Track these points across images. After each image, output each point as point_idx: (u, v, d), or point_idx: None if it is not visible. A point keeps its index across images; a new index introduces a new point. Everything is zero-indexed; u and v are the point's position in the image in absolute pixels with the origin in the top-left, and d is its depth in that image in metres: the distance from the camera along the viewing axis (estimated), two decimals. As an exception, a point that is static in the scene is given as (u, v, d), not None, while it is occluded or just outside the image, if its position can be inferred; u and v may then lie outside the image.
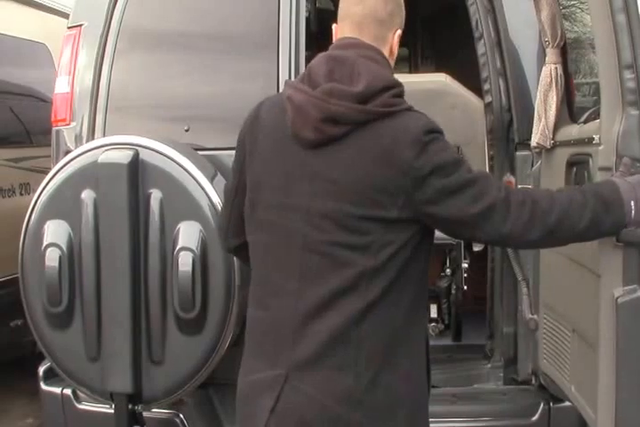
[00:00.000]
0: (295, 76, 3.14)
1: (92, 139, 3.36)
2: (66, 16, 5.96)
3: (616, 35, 2.18)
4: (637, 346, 2.14)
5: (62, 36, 5.66)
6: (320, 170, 1.98)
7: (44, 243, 2.92)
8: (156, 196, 2.85)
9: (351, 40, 2.08)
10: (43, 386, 3.40)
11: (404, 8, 2.14)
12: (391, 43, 2.11)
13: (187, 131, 3.25)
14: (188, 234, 2.84)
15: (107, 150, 2.86)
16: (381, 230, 1.95)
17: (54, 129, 3.54)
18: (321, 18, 4.56)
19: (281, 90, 3.10)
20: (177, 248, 2.84)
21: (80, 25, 3.50)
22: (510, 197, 1.99)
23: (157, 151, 2.86)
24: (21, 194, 5.31)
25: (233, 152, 3.11)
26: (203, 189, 2.85)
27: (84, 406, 3.30)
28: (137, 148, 2.85)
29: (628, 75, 2.18)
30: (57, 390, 3.35)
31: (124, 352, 2.87)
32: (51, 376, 3.39)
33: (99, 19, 3.43)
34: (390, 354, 1.99)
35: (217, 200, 2.86)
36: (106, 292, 2.87)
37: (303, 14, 3.21)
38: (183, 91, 3.35)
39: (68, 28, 3.56)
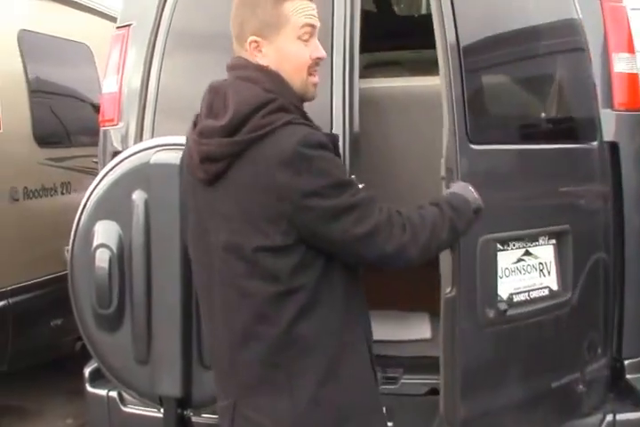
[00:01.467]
0: (348, 78, 3.09)
1: (141, 140, 3.34)
2: (106, 17, 6.02)
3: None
4: None
5: (102, 37, 5.72)
6: (217, 206, 2.06)
7: (95, 244, 2.88)
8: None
9: (232, 61, 2.14)
10: (88, 388, 3.39)
11: (257, 11, 2.07)
12: (251, 52, 2.09)
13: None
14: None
15: (158, 151, 2.82)
16: (273, 258, 1.98)
17: (102, 129, 3.52)
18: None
19: (334, 91, 3.08)
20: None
21: (129, 25, 3.48)
22: (392, 219, 2.02)
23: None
24: (62, 193, 5.32)
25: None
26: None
27: (130, 410, 3.28)
28: (190, 148, 2.81)
29: None
30: (103, 392, 3.33)
31: (174, 356, 2.82)
32: (97, 378, 3.38)
33: (148, 18, 3.40)
34: (328, 368, 2.03)
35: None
36: (156, 294, 2.83)
37: (358, 14, 3.14)
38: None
39: (117, 27, 3.53)
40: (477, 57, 3.08)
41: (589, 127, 3.26)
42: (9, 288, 4.75)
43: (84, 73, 5.75)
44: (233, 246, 2.02)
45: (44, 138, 5.18)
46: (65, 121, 5.56)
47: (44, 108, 5.24)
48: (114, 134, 3.45)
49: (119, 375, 2.96)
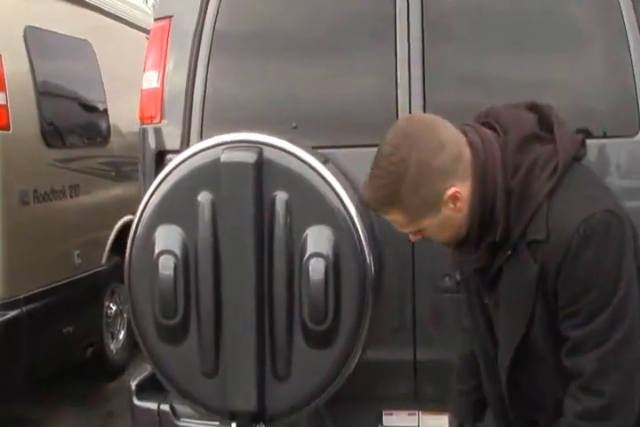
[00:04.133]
0: (414, 71, 2.94)
1: (188, 139, 3.14)
2: (106, 13, 5.80)
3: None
4: None
5: (103, 33, 5.50)
6: None
7: (157, 250, 2.69)
8: (281, 198, 2.63)
9: None
10: (135, 401, 3.18)
11: None
12: None
13: (294, 128, 3.02)
14: (319, 239, 2.63)
15: (227, 149, 2.64)
16: None
17: (141, 127, 3.31)
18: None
19: (399, 86, 2.93)
20: (307, 254, 2.62)
21: (169, 16, 3.27)
22: None
23: (283, 149, 2.64)
24: (71, 196, 5.09)
25: (342, 150, 3.01)
26: (334, 190, 2.63)
27: (185, 424, 3.08)
28: (260, 146, 2.64)
29: None
30: (153, 405, 3.13)
31: (247, 368, 2.65)
32: (144, 391, 3.18)
33: (191, 10, 3.20)
34: None
35: (349, 203, 2.65)
36: (226, 303, 2.65)
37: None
38: (286, 87, 3.14)
39: (155, 19, 3.32)
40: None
41: None
42: (22, 296, 4.52)
43: (89, 71, 5.51)
44: None
45: (52, 138, 4.94)
46: (73, 121, 5.33)
47: (50, 108, 4.99)
48: (156, 132, 3.24)
49: (183, 389, 2.77)
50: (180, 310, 2.67)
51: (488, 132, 1.74)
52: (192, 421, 3.06)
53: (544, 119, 1.77)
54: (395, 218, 1.78)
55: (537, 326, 1.76)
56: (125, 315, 5.76)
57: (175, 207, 2.71)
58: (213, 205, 2.65)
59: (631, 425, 1.73)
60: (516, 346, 1.81)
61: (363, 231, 2.67)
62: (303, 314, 2.63)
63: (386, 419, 3.08)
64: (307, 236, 2.64)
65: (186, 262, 2.67)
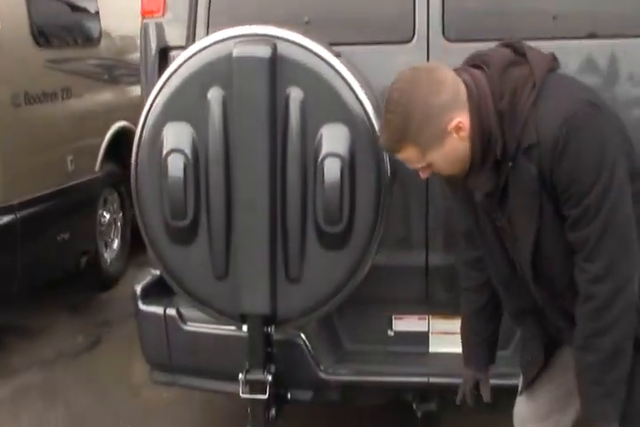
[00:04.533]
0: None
1: (194, 34, 2.99)
2: None
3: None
4: None
5: None
6: None
7: (165, 149, 2.59)
8: (296, 95, 2.52)
9: None
10: (141, 306, 3.11)
11: None
12: None
13: (307, 23, 2.87)
14: (335, 138, 2.53)
15: (239, 43, 2.51)
16: None
17: (144, 22, 3.13)
18: None
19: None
20: (322, 154, 2.53)
21: None
22: None
23: (298, 44, 2.51)
24: (63, 98, 4.92)
25: (354, 48, 2.88)
26: (351, 87, 2.53)
27: (192, 328, 3.04)
28: (274, 40, 2.50)
29: None
30: (159, 310, 3.07)
31: (259, 270, 2.60)
32: (149, 295, 3.13)
33: None
34: None
35: (366, 101, 2.54)
36: (238, 203, 2.57)
37: None
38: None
39: None
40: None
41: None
42: (16, 202, 4.41)
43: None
44: None
45: (42, 38, 4.74)
46: (62, 21, 5.11)
47: (41, 7, 4.76)
48: (159, 27, 3.07)
49: (193, 292, 2.72)
50: (189, 210, 2.60)
51: (476, 71, 1.99)
52: (199, 325, 3.01)
53: (517, 50, 2.02)
54: (407, 154, 1.98)
55: (547, 224, 1.98)
56: (119, 224, 5.69)
57: (184, 104, 2.60)
58: (225, 101, 2.54)
59: (636, 283, 1.94)
60: (532, 242, 2.00)
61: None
62: (317, 215, 2.56)
63: (396, 323, 3.06)
64: (322, 135, 2.55)
65: (196, 162, 2.58)
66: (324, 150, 2.54)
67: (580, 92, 1.97)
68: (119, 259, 5.74)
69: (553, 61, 2.02)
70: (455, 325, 3.04)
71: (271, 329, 2.68)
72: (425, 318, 3.06)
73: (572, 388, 2.08)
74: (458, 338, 3.00)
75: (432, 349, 3.07)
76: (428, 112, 1.90)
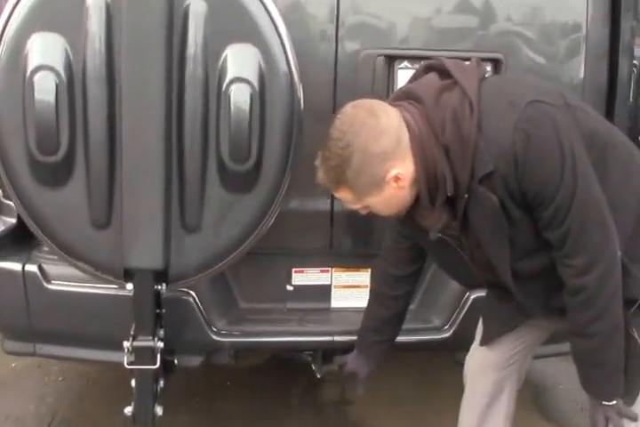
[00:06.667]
0: None
1: None
2: None
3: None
4: None
5: None
6: None
7: (31, 66, 2.09)
8: (197, 7, 2.09)
9: None
10: (-6, 262, 2.60)
11: None
12: None
13: None
14: (242, 61, 2.12)
15: None
16: None
17: None
18: None
19: None
20: (227, 79, 2.12)
21: None
22: None
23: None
24: None
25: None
26: (262, 1, 2.12)
27: (57, 287, 2.56)
28: None
29: None
30: (16, 266, 2.57)
31: (148, 216, 2.16)
32: (3, 248, 2.61)
33: None
34: None
35: (278, 18, 2.14)
36: (124, 135, 2.11)
37: None
38: None
39: None
40: None
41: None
42: None
43: None
44: None
45: None
46: None
47: None
48: None
49: (66, 244, 2.25)
50: (62, 143, 2.12)
51: (412, 108, 1.88)
52: (67, 283, 2.55)
53: (442, 72, 1.91)
54: (342, 195, 1.92)
55: (519, 229, 1.89)
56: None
57: (56, 11, 2.09)
58: (108, 8, 2.07)
59: (618, 268, 1.88)
60: (509, 257, 1.94)
61: (293, 52, 2.19)
62: (221, 150, 2.16)
63: (295, 277, 2.72)
64: (227, 56, 2.13)
65: (70, 82, 2.10)
66: (229, 74, 2.12)
67: (517, 95, 1.84)
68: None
69: (478, 69, 1.91)
70: (360, 278, 2.77)
71: (162, 287, 2.26)
72: (327, 271, 2.74)
73: (536, 337, 2.19)
74: (362, 292, 2.75)
75: (334, 304, 2.77)
76: (366, 161, 1.81)
